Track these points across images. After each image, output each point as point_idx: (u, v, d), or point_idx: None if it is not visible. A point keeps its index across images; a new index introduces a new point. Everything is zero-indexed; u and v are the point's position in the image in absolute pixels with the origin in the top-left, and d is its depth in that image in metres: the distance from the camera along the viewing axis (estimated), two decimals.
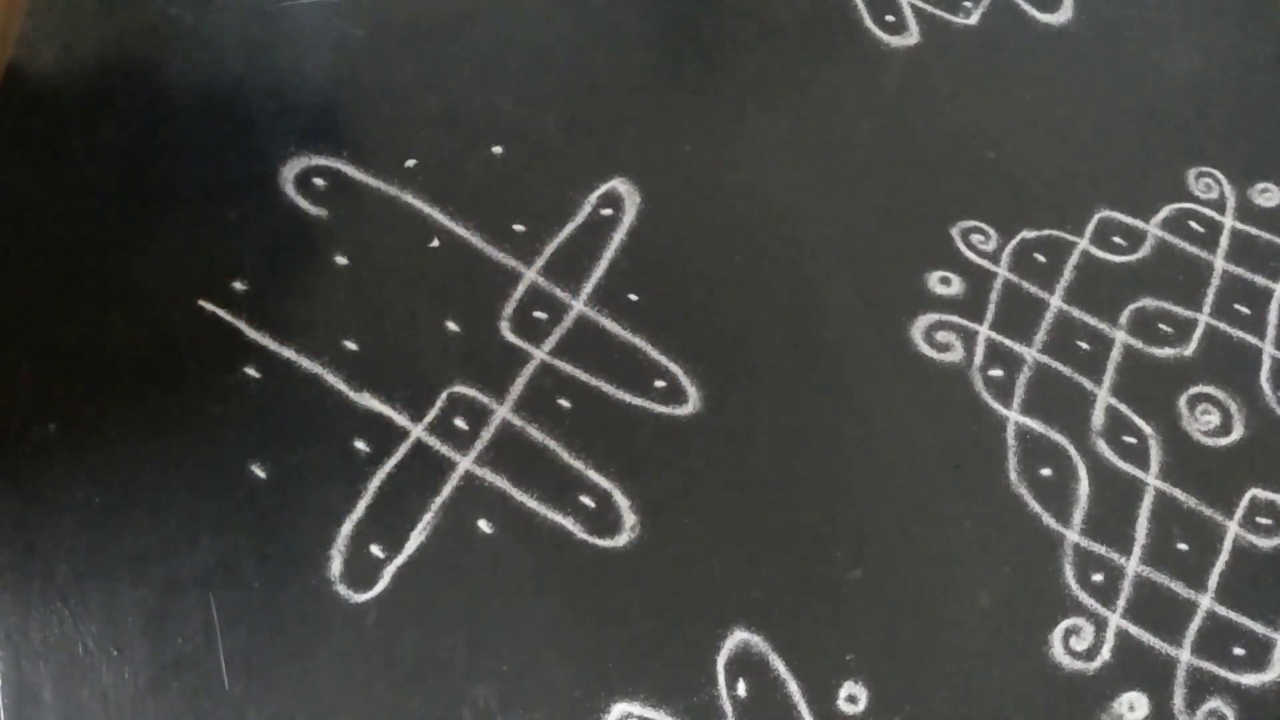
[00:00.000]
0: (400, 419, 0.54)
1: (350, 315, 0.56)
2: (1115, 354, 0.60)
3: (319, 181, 0.59)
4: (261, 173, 0.59)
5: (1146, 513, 0.56)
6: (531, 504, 0.53)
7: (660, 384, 0.57)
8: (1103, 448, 0.58)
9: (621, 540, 0.53)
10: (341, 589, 0.51)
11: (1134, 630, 0.54)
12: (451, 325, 0.57)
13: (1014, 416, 0.58)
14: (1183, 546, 0.56)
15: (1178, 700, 0.52)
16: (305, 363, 0.55)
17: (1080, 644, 0.53)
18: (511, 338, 0.57)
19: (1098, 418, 0.58)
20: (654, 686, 0.50)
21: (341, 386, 0.55)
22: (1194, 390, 0.60)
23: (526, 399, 0.56)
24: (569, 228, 0.60)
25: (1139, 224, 0.64)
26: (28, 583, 0.50)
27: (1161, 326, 0.61)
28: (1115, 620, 0.54)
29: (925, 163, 0.65)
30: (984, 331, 0.60)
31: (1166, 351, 0.61)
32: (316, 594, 0.51)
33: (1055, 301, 0.61)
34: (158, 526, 0.51)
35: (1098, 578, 0.54)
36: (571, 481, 0.54)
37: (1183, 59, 0.70)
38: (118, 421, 0.53)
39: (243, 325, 0.55)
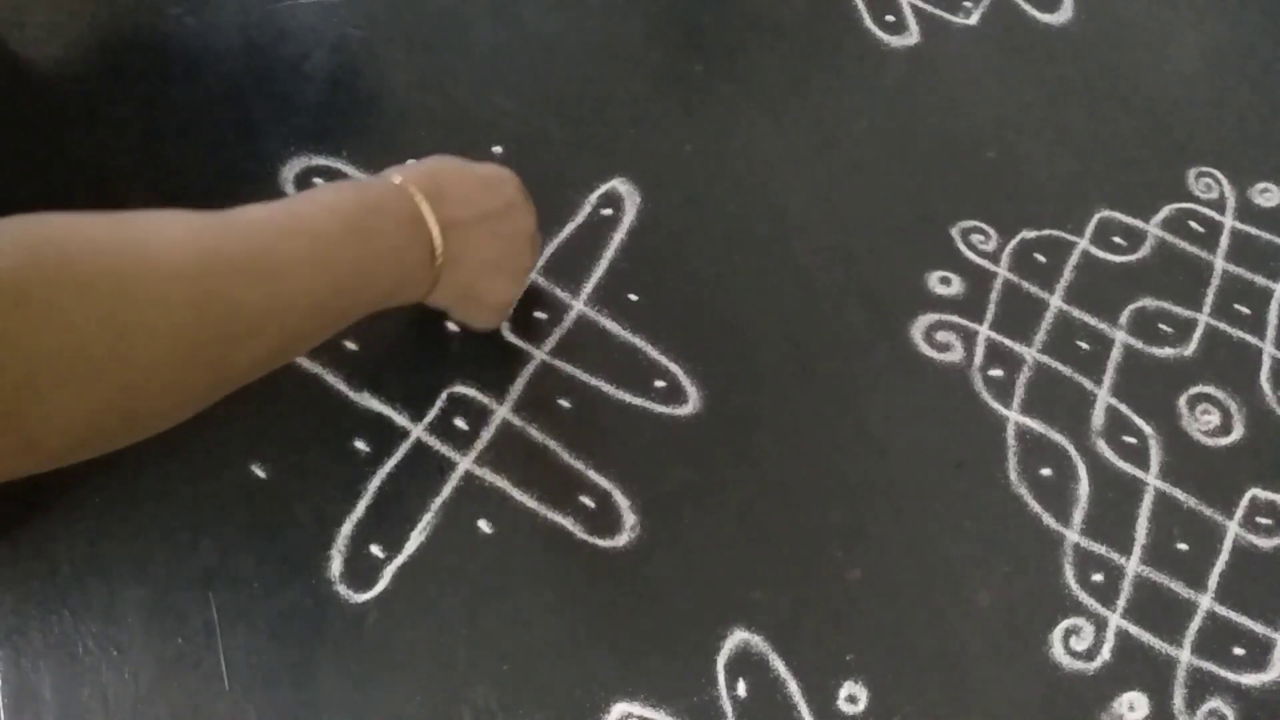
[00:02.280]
0: (400, 419, 0.54)
1: None
2: (1115, 354, 0.60)
3: (319, 181, 0.59)
4: (261, 173, 0.59)
5: (1146, 513, 0.56)
6: (531, 504, 0.53)
7: (660, 384, 0.57)
8: (1103, 448, 0.58)
9: (621, 540, 0.53)
10: (341, 589, 0.51)
11: (1134, 630, 0.54)
12: (451, 325, 0.57)
13: (1014, 416, 0.58)
14: (1183, 546, 0.56)
15: (1178, 700, 0.52)
16: (305, 363, 0.55)
17: (1080, 644, 0.53)
18: (511, 338, 0.57)
19: (1098, 418, 0.58)
20: (654, 686, 0.50)
21: (341, 386, 0.55)
22: (1194, 390, 0.60)
23: (526, 399, 0.56)
24: (569, 228, 0.60)
25: (1139, 224, 0.64)
26: (28, 583, 0.50)
27: (1161, 326, 0.61)
28: (1115, 620, 0.54)
29: (925, 163, 0.65)
30: (984, 331, 0.60)
31: (1166, 351, 0.61)
32: (316, 594, 0.51)
33: (1055, 301, 0.61)
34: (158, 526, 0.51)
35: (1098, 578, 0.54)
36: (571, 481, 0.54)
37: (1183, 59, 0.70)
38: None
39: None
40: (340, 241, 0.43)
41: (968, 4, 0.70)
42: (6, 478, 0.34)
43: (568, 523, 0.53)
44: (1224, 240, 0.64)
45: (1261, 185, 0.66)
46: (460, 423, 0.55)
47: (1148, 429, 0.58)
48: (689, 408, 0.56)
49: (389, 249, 0.45)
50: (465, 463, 0.54)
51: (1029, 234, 0.63)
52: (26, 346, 0.31)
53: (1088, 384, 0.59)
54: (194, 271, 0.36)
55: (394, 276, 0.46)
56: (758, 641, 0.52)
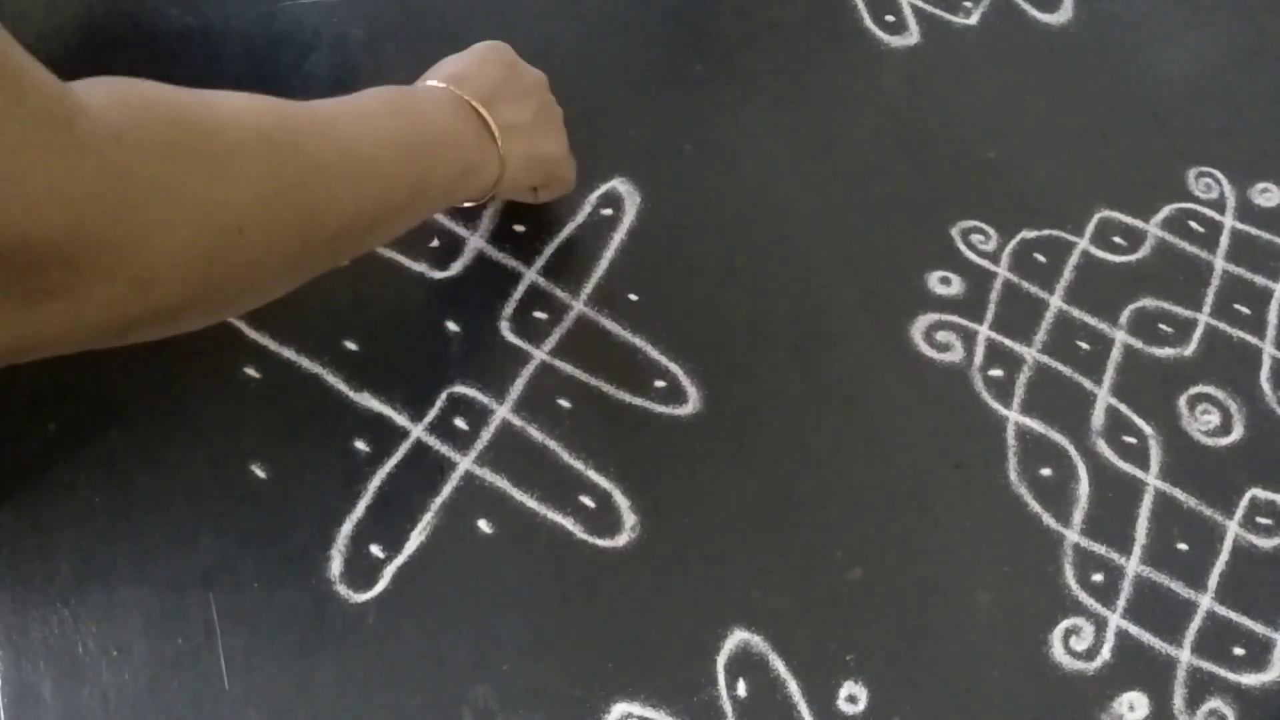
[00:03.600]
0: (400, 419, 0.54)
1: (350, 315, 0.56)
2: (1115, 354, 0.60)
3: None
4: None
5: (1146, 513, 0.56)
6: (531, 504, 0.53)
7: (660, 384, 0.57)
8: (1103, 448, 0.58)
9: (621, 540, 0.53)
10: (341, 589, 0.51)
11: (1134, 630, 0.54)
12: (451, 325, 0.57)
13: (1014, 416, 0.58)
14: (1183, 546, 0.56)
15: (1178, 700, 0.52)
16: (305, 363, 0.55)
17: (1080, 644, 0.53)
18: (511, 338, 0.57)
19: (1098, 418, 0.58)
20: (654, 686, 0.50)
21: (341, 386, 0.55)
22: (1194, 390, 0.60)
23: (526, 399, 0.56)
24: (569, 228, 0.60)
25: (1139, 224, 0.64)
26: (28, 583, 0.50)
27: (1161, 326, 0.61)
28: (1115, 620, 0.54)
29: (925, 163, 0.65)
30: (984, 331, 0.60)
31: (1166, 351, 0.61)
32: (316, 594, 0.51)
33: (1055, 301, 0.61)
34: (158, 526, 0.51)
35: (1098, 578, 0.54)
36: (571, 481, 0.54)
37: (1183, 59, 0.70)
38: (118, 421, 0.53)
39: (243, 325, 0.55)
40: (393, 122, 0.47)
41: (968, 4, 0.70)
42: (130, 330, 0.36)
43: (568, 523, 0.53)
44: (1224, 240, 0.64)
45: (1261, 185, 0.66)
46: (460, 423, 0.55)
47: (1148, 429, 0.58)
48: (689, 408, 0.56)
49: (443, 129, 0.49)
50: (465, 463, 0.54)
51: (1029, 234, 0.63)
52: (126, 176, 0.33)
53: (1088, 384, 0.59)
54: (269, 126, 0.40)
55: (457, 157, 0.49)
56: (758, 641, 0.52)
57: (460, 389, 0.55)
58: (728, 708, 0.50)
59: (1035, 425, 0.58)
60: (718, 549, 0.53)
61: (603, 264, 0.59)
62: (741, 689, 0.51)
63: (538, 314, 0.58)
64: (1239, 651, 0.53)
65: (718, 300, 0.59)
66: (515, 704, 0.49)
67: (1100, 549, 0.55)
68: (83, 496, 0.52)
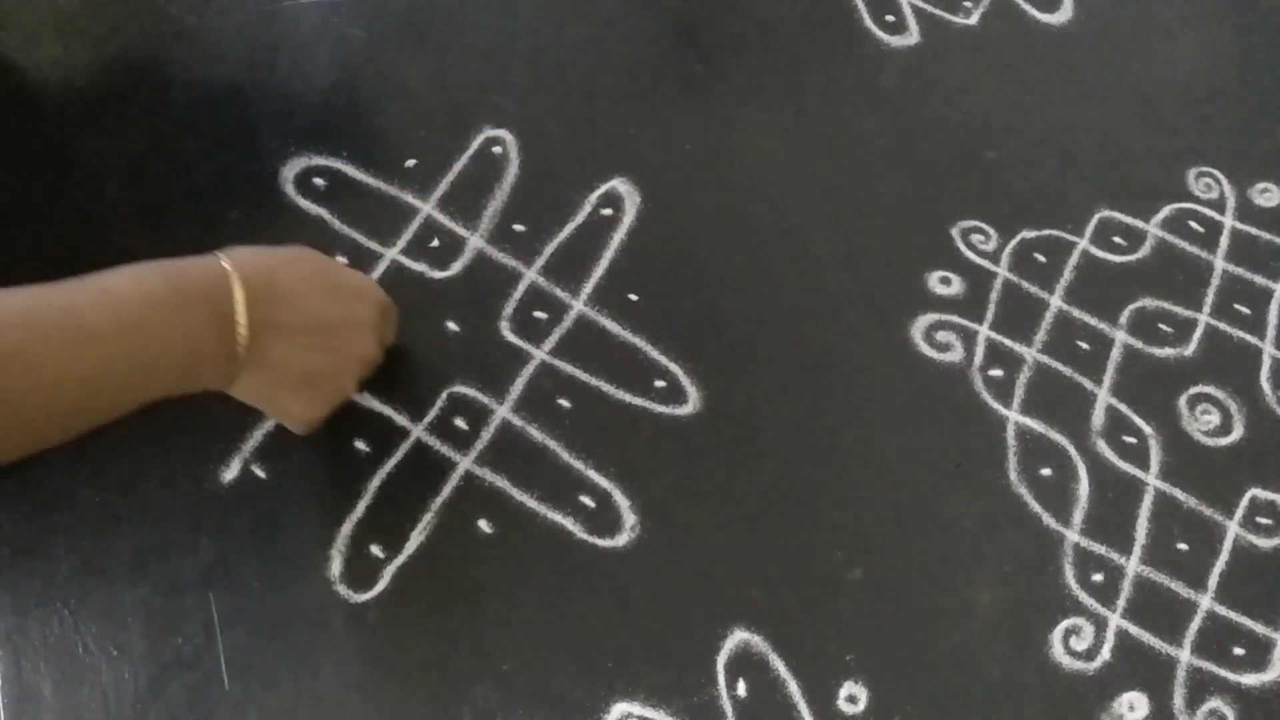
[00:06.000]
0: (400, 419, 0.54)
1: None
2: (1115, 354, 0.60)
3: (319, 181, 0.59)
4: (261, 173, 0.59)
5: (1146, 513, 0.56)
6: (531, 504, 0.53)
7: (660, 384, 0.57)
8: (1103, 448, 0.58)
9: (621, 540, 0.53)
10: (341, 589, 0.51)
11: (1134, 630, 0.54)
12: (451, 325, 0.57)
13: (1014, 416, 0.58)
14: (1183, 546, 0.56)
15: (1178, 700, 0.52)
16: None
17: (1080, 644, 0.53)
18: (511, 338, 0.57)
19: (1098, 418, 0.58)
20: (654, 686, 0.50)
21: None
22: (1194, 390, 0.60)
23: (526, 399, 0.56)
24: (569, 228, 0.60)
25: (1139, 224, 0.64)
26: (28, 583, 0.50)
27: (1161, 326, 0.61)
28: (1115, 620, 0.54)
29: (925, 163, 0.65)
30: (984, 331, 0.60)
31: (1166, 351, 0.61)
32: (316, 594, 0.51)
33: (1055, 301, 0.61)
34: (158, 526, 0.51)
35: (1098, 578, 0.54)
36: (571, 481, 0.54)
37: (1183, 59, 0.70)
38: (118, 422, 0.53)
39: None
40: (120, 331, 0.41)
41: (968, 4, 0.70)
42: None
43: (568, 523, 0.53)
44: (1224, 240, 0.64)
45: (1261, 185, 0.66)
46: (460, 423, 0.55)
47: (1148, 429, 0.58)
48: (689, 408, 0.56)
49: (183, 337, 0.43)
50: (465, 463, 0.54)
51: (1029, 234, 0.63)
52: None
53: (1088, 384, 0.59)
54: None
55: (183, 367, 0.44)
56: (758, 641, 0.52)
57: (460, 389, 0.55)
58: (728, 708, 0.50)
59: (1035, 425, 0.58)
60: (718, 549, 0.53)
61: (603, 264, 0.59)
62: (741, 689, 0.51)
63: (538, 314, 0.58)
64: (1239, 651, 0.53)
65: (718, 300, 0.59)
66: (515, 704, 0.49)
67: (1100, 549, 0.55)
68: (83, 496, 0.52)
